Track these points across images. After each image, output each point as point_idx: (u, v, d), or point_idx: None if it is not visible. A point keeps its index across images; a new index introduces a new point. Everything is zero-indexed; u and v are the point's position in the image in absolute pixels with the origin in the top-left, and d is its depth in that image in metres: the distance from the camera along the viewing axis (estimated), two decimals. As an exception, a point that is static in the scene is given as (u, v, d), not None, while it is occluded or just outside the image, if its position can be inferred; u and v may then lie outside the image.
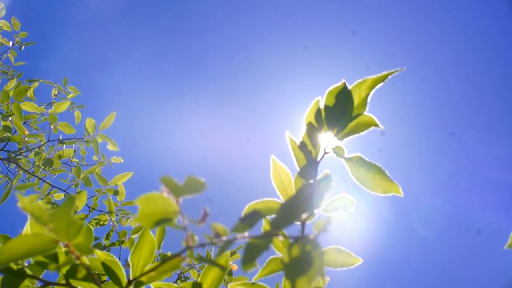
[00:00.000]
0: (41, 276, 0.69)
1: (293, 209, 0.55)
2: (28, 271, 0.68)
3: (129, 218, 2.23)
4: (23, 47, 2.94)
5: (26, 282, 0.70)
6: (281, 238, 0.59)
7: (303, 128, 0.65)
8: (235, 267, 1.66)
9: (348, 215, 0.66)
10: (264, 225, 0.62)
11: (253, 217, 0.57)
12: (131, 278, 0.70)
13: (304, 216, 0.59)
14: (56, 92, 2.68)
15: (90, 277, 0.68)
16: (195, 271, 2.02)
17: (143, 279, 0.70)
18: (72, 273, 0.68)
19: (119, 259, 0.73)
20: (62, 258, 0.67)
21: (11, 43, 2.89)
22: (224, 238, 0.55)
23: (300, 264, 0.55)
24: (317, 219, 0.59)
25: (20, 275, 0.67)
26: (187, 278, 2.14)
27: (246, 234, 0.56)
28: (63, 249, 0.63)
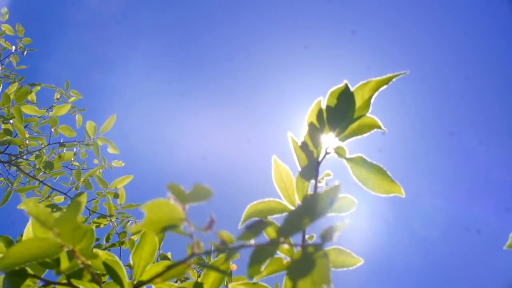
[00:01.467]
0: (42, 276, 0.69)
1: (301, 217, 0.55)
2: (30, 271, 0.68)
3: (129, 221, 2.23)
4: (25, 53, 2.95)
5: (28, 281, 0.70)
6: (286, 246, 0.59)
7: (305, 128, 0.65)
8: (234, 267, 1.66)
9: (348, 215, 0.66)
10: (268, 231, 0.62)
11: (258, 226, 0.57)
12: (132, 278, 0.71)
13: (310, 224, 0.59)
14: (58, 96, 2.67)
15: (92, 278, 0.68)
16: (195, 271, 2.02)
17: (144, 278, 0.70)
18: (73, 273, 0.68)
19: (119, 260, 0.73)
20: (63, 259, 0.67)
21: (13, 47, 2.90)
22: (230, 245, 0.55)
23: (305, 273, 0.55)
24: (322, 225, 0.59)
25: (22, 274, 0.67)
26: (186, 278, 2.13)
27: (252, 242, 0.56)
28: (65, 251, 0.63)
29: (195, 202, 0.54)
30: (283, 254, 0.67)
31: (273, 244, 0.57)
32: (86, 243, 0.67)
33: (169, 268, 0.63)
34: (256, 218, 0.68)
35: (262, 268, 0.58)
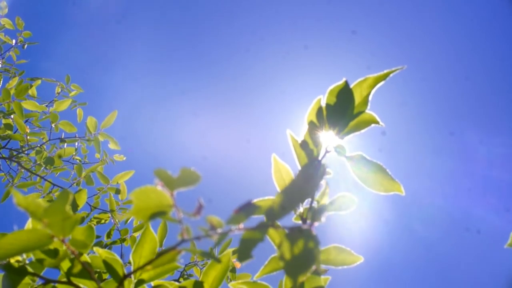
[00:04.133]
0: (42, 274, 0.69)
1: (288, 198, 0.55)
2: (29, 269, 0.68)
3: (130, 217, 2.23)
4: (25, 46, 2.95)
5: (27, 279, 0.70)
6: (277, 228, 0.59)
7: (305, 127, 0.65)
8: (238, 264, 1.65)
9: (348, 214, 0.66)
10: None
11: (248, 209, 0.57)
12: (132, 277, 0.71)
13: (299, 206, 0.59)
14: (59, 90, 2.67)
15: (83, 268, 0.68)
16: (198, 268, 2.01)
17: (144, 276, 0.70)
18: (73, 271, 0.68)
19: (121, 257, 0.73)
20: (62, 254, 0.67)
21: (14, 41, 2.90)
22: (219, 230, 0.55)
23: (295, 253, 0.55)
24: (312, 211, 0.59)
25: (21, 272, 0.67)
26: (190, 275, 2.13)
27: (241, 226, 0.56)
28: (64, 247, 0.63)
29: (183, 187, 0.54)
30: (273, 243, 0.67)
31: (262, 227, 0.57)
32: (84, 237, 0.67)
33: (159, 254, 0.63)
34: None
35: (259, 261, 0.58)
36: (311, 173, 0.54)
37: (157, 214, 0.55)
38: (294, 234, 0.56)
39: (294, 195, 0.55)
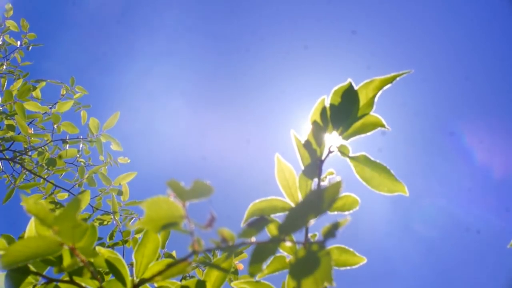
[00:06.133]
0: (44, 273, 0.69)
1: (302, 214, 0.54)
2: (32, 268, 0.68)
3: (132, 218, 2.23)
4: (30, 48, 2.96)
5: (30, 278, 0.70)
6: (288, 243, 0.58)
7: (308, 127, 0.65)
8: (241, 266, 1.64)
9: (350, 214, 0.66)
10: (270, 228, 0.62)
11: (260, 223, 0.56)
12: (135, 277, 0.71)
13: (312, 221, 0.59)
14: (64, 92, 2.66)
15: (93, 276, 0.68)
16: (201, 270, 2.01)
17: (146, 276, 0.70)
18: (75, 270, 0.68)
19: (123, 258, 0.73)
20: (66, 256, 0.67)
21: (18, 43, 2.90)
22: (230, 243, 0.55)
23: (307, 270, 0.55)
24: (323, 222, 0.59)
25: (24, 271, 0.67)
26: (192, 277, 2.12)
27: (253, 239, 0.56)
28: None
29: (195, 199, 0.54)
30: (285, 252, 0.67)
31: (275, 241, 0.57)
32: (87, 241, 0.67)
33: (169, 266, 0.63)
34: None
35: (264, 266, 0.58)
36: (325, 189, 0.53)
37: (169, 225, 0.54)
38: (305, 249, 0.56)
39: (307, 211, 0.55)
